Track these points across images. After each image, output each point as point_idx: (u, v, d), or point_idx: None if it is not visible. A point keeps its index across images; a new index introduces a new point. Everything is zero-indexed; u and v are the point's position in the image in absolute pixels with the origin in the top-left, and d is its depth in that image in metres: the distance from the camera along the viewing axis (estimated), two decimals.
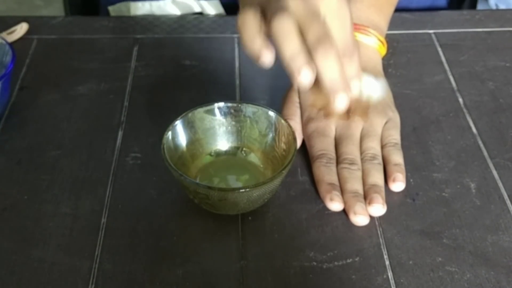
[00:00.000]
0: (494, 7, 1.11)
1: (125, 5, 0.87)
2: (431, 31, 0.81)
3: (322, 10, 0.52)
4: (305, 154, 0.64)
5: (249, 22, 0.52)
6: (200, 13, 0.86)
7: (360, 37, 0.69)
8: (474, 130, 0.68)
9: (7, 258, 0.55)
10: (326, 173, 0.60)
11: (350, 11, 0.53)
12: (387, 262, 0.55)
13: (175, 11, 0.86)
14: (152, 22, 0.83)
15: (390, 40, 0.79)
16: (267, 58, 0.51)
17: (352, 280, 0.54)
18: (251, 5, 0.54)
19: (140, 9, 0.86)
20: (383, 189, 0.60)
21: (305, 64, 0.50)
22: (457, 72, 0.75)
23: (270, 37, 0.51)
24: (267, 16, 0.52)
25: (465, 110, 0.70)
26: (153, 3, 0.85)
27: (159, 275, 0.54)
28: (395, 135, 0.64)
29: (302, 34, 0.50)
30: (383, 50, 0.71)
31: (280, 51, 0.51)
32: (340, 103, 0.52)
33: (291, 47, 0.50)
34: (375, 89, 0.59)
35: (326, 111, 0.64)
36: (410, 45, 0.79)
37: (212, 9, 0.86)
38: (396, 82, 0.73)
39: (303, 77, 0.50)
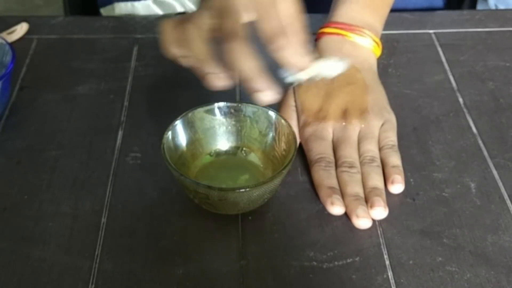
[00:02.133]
0: (493, 8, 1.11)
1: (112, 7, 0.87)
2: (431, 31, 0.81)
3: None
4: (305, 154, 0.64)
5: (167, 31, 0.55)
6: (183, 13, 0.86)
7: (355, 38, 0.69)
8: (474, 130, 0.68)
9: (7, 258, 0.55)
10: (325, 177, 0.60)
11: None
12: (387, 262, 0.55)
13: (158, 11, 0.86)
14: (152, 22, 0.83)
15: (390, 40, 0.79)
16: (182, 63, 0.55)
17: (352, 279, 0.54)
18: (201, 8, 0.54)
19: (123, 9, 0.87)
20: (383, 191, 0.60)
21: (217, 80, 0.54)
22: (457, 72, 0.75)
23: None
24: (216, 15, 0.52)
25: (465, 110, 0.70)
26: (135, 3, 0.85)
27: (159, 275, 0.54)
28: (392, 137, 0.64)
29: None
30: (378, 51, 0.71)
31: (236, 69, 0.51)
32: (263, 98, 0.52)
33: (245, 65, 0.50)
34: (331, 69, 0.56)
35: (322, 114, 0.64)
36: (410, 45, 0.79)
37: (195, 7, 0.86)
38: (396, 82, 0.73)
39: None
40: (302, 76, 0.54)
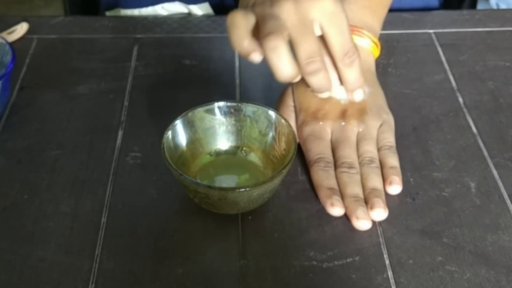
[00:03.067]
0: (495, 7, 1.11)
1: (118, 11, 0.88)
2: (431, 31, 0.81)
3: (317, 17, 0.53)
4: (304, 154, 0.64)
5: (238, 23, 0.54)
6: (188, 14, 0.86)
7: (354, 38, 0.69)
8: (474, 129, 0.68)
9: (7, 258, 0.55)
10: (325, 177, 0.60)
11: (346, 16, 0.55)
12: (387, 262, 0.55)
13: None
14: (152, 22, 0.83)
15: (390, 40, 0.79)
16: (255, 58, 0.54)
17: (352, 279, 0.54)
18: (245, 8, 0.54)
19: (130, 15, 0.87)
20: (383, 192, 0.60)
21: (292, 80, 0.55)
22: (457, 71, 0.75)
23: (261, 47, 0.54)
24: (259, 21, 0.54)
25: (465, 110, 0.70)
26: (143, 10, 0.85)
27: (159, 275, 0.54)
28: (390, 138, 0.64)
29: (293, 48, 0.53)
30: (377, 52, 0.71)
31: (272, 70, 0.53)
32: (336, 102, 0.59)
33: (282, 70, 0.53)
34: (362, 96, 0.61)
35: (320, 114, 0.64)
36: (410, 45, 0.79)
37: (202, 12, 0.86)
38: (396, 82, 0.73)
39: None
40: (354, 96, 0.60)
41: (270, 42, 0.52)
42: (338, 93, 0.61)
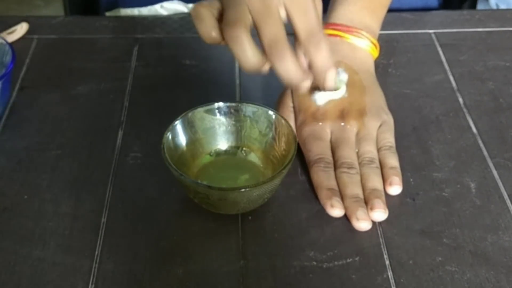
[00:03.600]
0: (494, 7, 1.11)
1: (118, 11, 0.88)
2: (431, 31, 0.81)
3: (283, 1, 0.51)
4: (303, 154, 0.64)
5: (203, 15, 0.53)
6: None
7: (353, 39, 0.69)
8: (474, 130, 0.68)
9: (7, 258, 0.55)
10: (325, 178, 0.60)
11: (312, 1, 0.52)
12: (387, 262, 0.55)
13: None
14: (152, 22, 0.83)
15: (390, 40, 0.79)
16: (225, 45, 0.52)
17: (352, 279, 0.54)
18: None
19: (129, 14, 0.87)
20: (383, 193, 0.60)
21: (260, 70, 0.52)
22: (457, 72, 0.75)
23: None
24: (223, 8, 0.53)
25: (465, 110, 0.70)
26: (142, 9, 0.85)
27: (159, 275, 0.54)
28: (389, 138, 0.64)
29: (256, 32, 0.51)
30: (376, 53, 0.71)
31: (237, 60, 0.52)
32: (302, 90, 0.54)
33: (246, 59, 0.51)
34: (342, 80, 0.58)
35: (320, 114, 0.64)
36: (410, 45, 0.79)
37: None
38: (396, 82, 0.73)
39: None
40: (332, 96, 0.55)
41: (230, 32, 0.51)
42: (318, 97, 0.59)
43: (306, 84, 0.53)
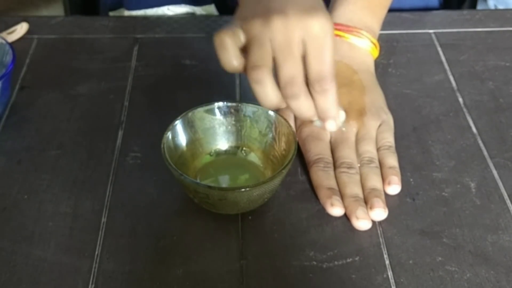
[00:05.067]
0: (492, 8, 1.11)
1: (122, 11, 0.88)
2: (431, 31, 0.81)
3: (302, 36, 0.53)
4: (303, 155, 0.64)
5: (226, 44, 0.54)
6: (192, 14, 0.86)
7: (353, 39, 0.69)
8: (474, 130, 0.68)
9: (7, 258, 0.55)
10: (324, 177, 0.60)
11: (332, 41, 0.53)
12: (387, 262, 0.55)
13: None
14: (152, 22, 0.83)
15: (390, 40, 0.79)
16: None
17: (352, 279, 0.54)
18: (240, 19, 0.54)
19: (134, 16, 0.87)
20: (382, 192, 0.60)
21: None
22: (457, 72, 0.75)
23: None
24: (248, 40, 0.54)
25: (465, 110, 0.70)
26: (148, 11, 0.85)
27: (159, 275, 0.54)
28: (389, 138, 0.64)
29: (275, 69, 0.53)
30: (376, 53, 0.71)
31: (257, 99, 0.54)
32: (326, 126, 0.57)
33: (267, 101, 0.54)
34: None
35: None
36: (410, 45, 0.79)
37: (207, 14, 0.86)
38: (396, 82, 0.73)
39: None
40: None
41: (255, 75, 0.53)
42: (318, 123, 0.60)
43: (318, 123, 0.57)
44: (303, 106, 0.54)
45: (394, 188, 0.60)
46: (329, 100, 0.54)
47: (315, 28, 0.53)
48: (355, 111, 0.64)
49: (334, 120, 0.56)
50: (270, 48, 0.53)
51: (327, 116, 0.56)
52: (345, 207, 0.58)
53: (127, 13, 0.86)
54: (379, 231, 0.57)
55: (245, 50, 0.54)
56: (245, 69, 0.54)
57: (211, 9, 0.86)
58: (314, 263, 0.55)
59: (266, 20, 0.53)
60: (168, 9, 0.85)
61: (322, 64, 0.53)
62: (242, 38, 0.54)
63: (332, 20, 0.70)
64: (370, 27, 0.70)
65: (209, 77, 0.74)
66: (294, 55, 0.53)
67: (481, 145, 0.66)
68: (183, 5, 0.85)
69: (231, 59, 0.54)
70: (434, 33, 0.81)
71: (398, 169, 0.62)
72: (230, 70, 0.55)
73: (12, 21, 0.81)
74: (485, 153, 0.65)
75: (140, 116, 0.69)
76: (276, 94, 0.54)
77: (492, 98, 0.72)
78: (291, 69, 0.53)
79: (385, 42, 0.77)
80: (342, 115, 0.58)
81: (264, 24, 0.53)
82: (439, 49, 0.79)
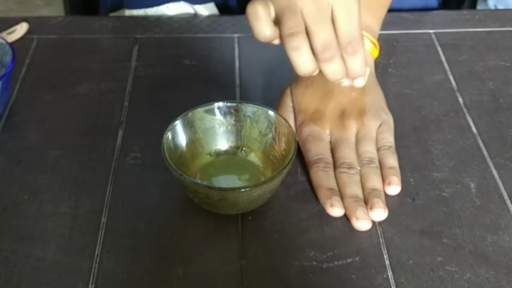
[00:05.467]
0: (492, 8, 1.11)
1: (123, 12, 0.88)
2: (431, 31, 0.81)
3: (331, 3, 0.54)
4: (303, 155, 0.64)
5: (260, 13, 0.55)
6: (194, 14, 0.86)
7: None
8: (474, 130, 0.68)
9: (7, 258, 0.55)
10: (324, 178, 0.60)
11: (358, 7, 0.55)
12: (387, 262, 0.55)
13: None
14: (152, 22, 0.83)
15: (390, 40, 0.79)
16: (276, 42, 0.56)
17: (352, 279, 0.54)
18: None
19: (134, 15, 0.87)
20: (382, 192, 0.60)
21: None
22: (457, 72, 0.75)
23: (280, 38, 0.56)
24: (277, 12, 0.55)
25: (465, 110, 0.70)
26: (148, 10, 0.85)
27: (159, 275, 0.54)
28: (389, 138, 0.64)
29: (309, 35, 0.54)
30: (376, 52, 0.70)
31: (293, 66, 0.55)
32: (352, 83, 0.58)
33: (303, 67, 0.55)
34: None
35: (319, 115, 0.64)
36: (410, 45, 0.79)
37: (207, 12, 0.86)
38: (396, 82, 0.73)
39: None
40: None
41: (291, 43, 0.54)
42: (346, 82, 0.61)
43: (346, 82, 0.58)
44: (338, 68, 0.55)
45: (394, 189, 0.60)
46: (359, 60, 0.56)
47: None
48: (355, 111, 0.64)
49: (363, 78, 0.58)
50: (302, 16, 0.54)
51: (357, 75, 0.57)
52: (345, 207, 0.58)
53: (127, 12, 0.86)
54: (379, 231, 0.57)
55: (275, 23, 0.55)
56: (281, 37, 0.55)
57: (211, 7, 0.86)
58: (314, 263, 0.55)
59: None
60: (167, 7, 0.85)
61: (351, 26, 0.54)
62: (272, 9, 0.55)
63: None
64: (370, 27, 0.70)
65: (209, 77, 0.74)
66: (326, 20, 0.54)
67: (481, 145, 0.66)
68: (182, 3, 0.85)
69: (265, 28, 0.55)
70: (434, 33, 0.81)
71: (398, 170, 0.62)
72: (263, 40, 0.56)
73: (12, 21, 0.81)
74: (485, 153, 0.65)
75: (140, 116, 0.69)
76: (312, 60, 0.55)
77: (492, 98, 0.72)
78: (325, 34, 0.54)
79: (385, 42, 0.77)
80: (368, 71, 0.59)
81: None
82: (439, 49, 0.79)
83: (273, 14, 0.55)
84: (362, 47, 0.56)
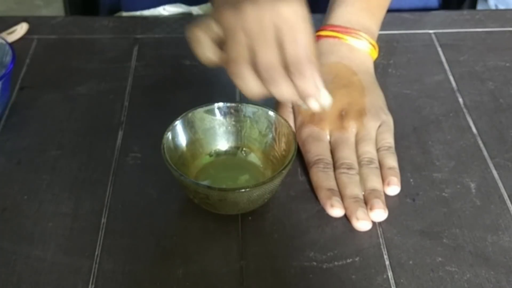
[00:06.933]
0: (493, 8, 1.11)
1: (120, 14, 0.88)
2: (431, 31, 0.81)
3: (275, 23, 0.52)
4: (303, 155, 0.64)
5: (199, 38, 0.55)
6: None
7: (352, 40, 0.69)
8: (474, 130, 0.68)
9: (7, 258, 0.55)
10: (324, 178, 0.60)
11: (306, 24, 0.53)
12: (387, 262, 0.55)
13: None
14: (152, 22, 0.83)
15: (390, 40, 0.79)
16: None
17: (352, 280, 0.54)
18: (209, 16, 0.55)
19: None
20: (382, 193, 0.60)
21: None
22: (457, 72, 0.75)
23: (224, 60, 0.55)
24: (222, 30, 0.54)
25: (465, 110, 0.70)
26: (144, 11, 0.85)
27: (159, 275, 0.54)
28: (388, 139, 0.64)
29: (252, 57, 0.53)
30: (375, 54, 0.71)
31: (238, 87, 0.55)
32: (308, 106, 0.56)
33: (250, 92, 0.55)
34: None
35: (319, 116, 0.64)
36: (410, 45, 0.79)
37: (204, 13, 0.86)
38: (396, 82, 0.73)
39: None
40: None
41: (234, 69, 0.54)
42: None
43: (303, 105, 0.56)
44: (283, 90, 0.54)
45: (394, 189, 0.60)
46: (308, 81, 0.54)
47: (286, 12, 0.52)
48: (355, 112, 0.64)
49: (315, 99, 0.55)
50: (244, 38, 0.53)
51: (307, 95, 0.54)
52: (345, 208, 0.58)
53: (125, 14, 0.87)
54: (379, 232, 0.57)
55: (222, 43, 0.55)
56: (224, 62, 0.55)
57: (207, 8, 0.86)
58: (314, 263, 0.55)
59: (237, 10, 0.53)
60: (164, 9, 0.85)
61: (296, 47, 0.53)
62: (216, 30, 0.55)
63: (330, 20, 0.71)
64: (369, 29, 0.70)
65: (209, 77, 0.74)
66: (268, 41, 0.52)
67: (481, 145, 0.66)
68: (178, 5, 0.85)
69: (205, 52, 0.55)
70: (434, 33, 0.81)
71: (397, 170, 0.62)
72: (207, 64, 0.56)
73: (12, 21, 0.81)
74: (485, 153, 0.65)
75: (140, 116, 0.69)
76: (257, 84, 0.54)
77: (492, 98, 0.72)
78: (267, 55, 0.53)
79: (385, 43, 0.77)
80: (326, 94, 0.56)
81: (235, 14, 0.53)
82: (439, 49, 0.79)
83: (218, 32, 0.54)
84: (310, 69, 0.53)
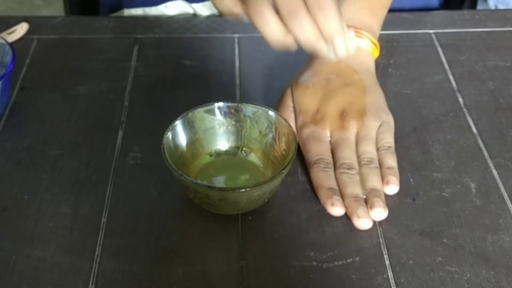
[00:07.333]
0: (493, 8, 1.11)
1: (122, 13, 0.88)
2: (431, 31, 0.81)
3: None
4: (303, 155, 0.64)
5: None
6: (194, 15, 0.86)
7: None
8: (474, 130, 0.68)
9: (7, 258, 0.55)
10: (325, 178, 0.60)
11: None
12: (387, 262, 0.55)
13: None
14: (152, 22, 0.83)
15: (390, 40, 0.79)
16: (242, 17, 0.53)
17: (352, 279, 0.54)
18: None
19: (134, 15, 0.87)
20: (382, 192, 0.60)
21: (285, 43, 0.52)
22: (457, 72, 0.75)
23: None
24: None
25: (465, 110, 0.70)
26: (146, 9, 0.85)
27: (159, 275, 0.54)
28: (388, 139, 0.64)
29: (274, 4, 0.51)
30: (376, 53, 0.71)
31: (261, 34, 0.52)
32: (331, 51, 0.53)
33: (270, 32, 0.51)
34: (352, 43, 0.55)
35: (320, 115, 0.64)
36: (410, 45, 0.79)
37: (206, 10, 0.86)
38: (396, 82, 0.73)
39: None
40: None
41: (253, 7, 0.51)
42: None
43: (332, 54, 0.53)
44: (306, 28, 0.51)
45: (392, 188, 0.60)
46: (331, 17, 0.51)
47: None
48: (355, 112, 0.64)
49: (342, 39, 0.53)
50: None
51: (332, 34, 0.52)
52: (345, 207, 0.58)
53: (126, 11, 0.86)
54: (379, 232, 0.57)
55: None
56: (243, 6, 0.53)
57: (209, 5, 0.86)
58: (314, 263, 0.55)
59: None
60: (166, 6, 0.85)
61: None
62: None
63: None
64: (370, 27, 0.70)
65: (209, 77, 0.74)
66: None
67: (481, 145, 0.66)
68: (180, 2, 0.85)
69: (227, 3, 0.53)
70: (434, 33, 0.81)
71: (396, 170, 0.62)
72: (223, 11, 0.54)
73: (12, 21, 0.81)
74: (485, 153, 0.65)
75: (140, 116, 0.69)
76: (278, 24, 0.51)
77: (492, 98, 0.72)
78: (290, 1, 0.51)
79: (385, 42, 0.77)
80: (350, 35, 0.54)
81: None
82: (439, 49, 0.79)
83: None
84: (335, 8, 0.51)
